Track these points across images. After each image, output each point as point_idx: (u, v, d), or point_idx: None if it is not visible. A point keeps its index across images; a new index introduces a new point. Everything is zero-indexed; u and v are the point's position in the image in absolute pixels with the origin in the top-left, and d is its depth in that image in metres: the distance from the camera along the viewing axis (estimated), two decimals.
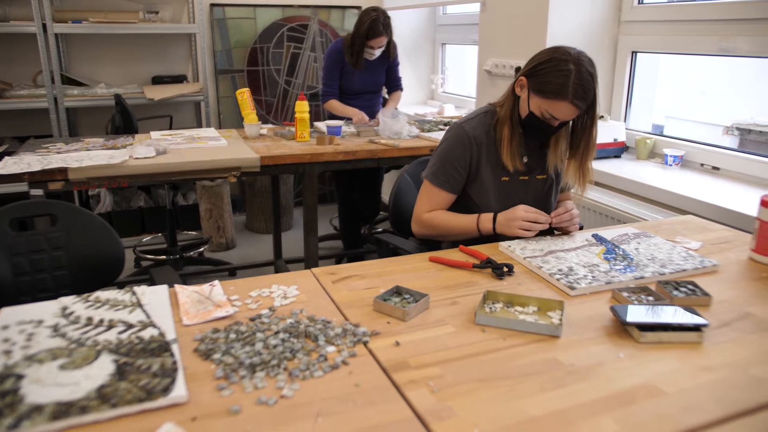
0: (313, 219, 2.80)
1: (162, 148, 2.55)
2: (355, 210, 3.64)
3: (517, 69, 3.12)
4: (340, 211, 3.68)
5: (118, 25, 3.80)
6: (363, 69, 3.39)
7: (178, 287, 1.33)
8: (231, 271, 3.68)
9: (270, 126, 3.34)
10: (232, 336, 1.12)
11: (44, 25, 3.61)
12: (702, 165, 2.60)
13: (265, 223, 4.39)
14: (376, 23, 3.19)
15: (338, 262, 3.81)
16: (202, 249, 3.95)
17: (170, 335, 1.10)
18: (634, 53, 2.93)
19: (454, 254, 1.54)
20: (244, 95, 2.97)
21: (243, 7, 4.44)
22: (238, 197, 4.71)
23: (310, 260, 2.86)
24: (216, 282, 1.38)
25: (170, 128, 4.04)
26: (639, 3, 2.86)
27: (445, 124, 3.32)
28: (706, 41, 2.51)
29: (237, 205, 4.70)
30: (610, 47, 2.96)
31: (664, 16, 2.71)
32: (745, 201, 2.11)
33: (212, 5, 4.34)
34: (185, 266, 3.70)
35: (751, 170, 2.39)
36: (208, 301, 1.29)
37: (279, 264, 3.51)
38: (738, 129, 3.40)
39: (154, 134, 2.97)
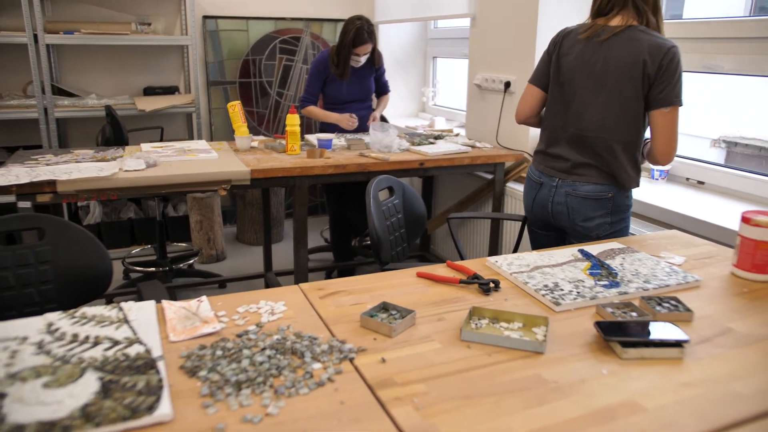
0: (303, 232, 2.80)
1: (152, 160, 2.55)
2: (345, 222, 3.65)
3: (507, 84, 3.15)
4: (331, 223, 3.69)
5: (110, 37, 3.81)
6: (350, 78, 3.43)
7: (165, 303, 1.33)
8: (221, 284, 3.68)
9: (261, 138, 3.35)
10: (219, 353, 1.12)
11: (35, 36, 3.61)
12: (687, 179, 2.63)
13: (256, 235, 4.39)
14: (361, 31, 3.26)
15: (329, 274, 3.82)
16: (192, 261, 3.94)
17: (156, 352, 1.10)
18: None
19: (441, 270, 1.55)
20: (236, 108, 2.98)
21: (235, 19, 4.46)
22: (229, 209, 4.71)
23: (299, 273, 2.86)
24: (203, 298, 1.38)
25: (161, 140, 4.05)
26: None
27: (436, 137, 3.34)
28: (690, 59, 2.54)
29: (228, 216, 4.70)
30: None
31: None
32: (729, 216, 2.13)
33: (205, 17, 4.36)
34: (175, 278, 3.70)
35: (735, 185, 2.42)
36: (195, 317, 1.29)
37: (269, 276, 3.51)
38: (725, 142, 3.45)
39: (145, 146, 2.97)
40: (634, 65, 1.82)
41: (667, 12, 3.89)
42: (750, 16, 2.44)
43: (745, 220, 1.55)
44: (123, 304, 1.29)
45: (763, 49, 2.25)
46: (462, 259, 1.98)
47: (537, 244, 2.24)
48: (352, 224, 3.65)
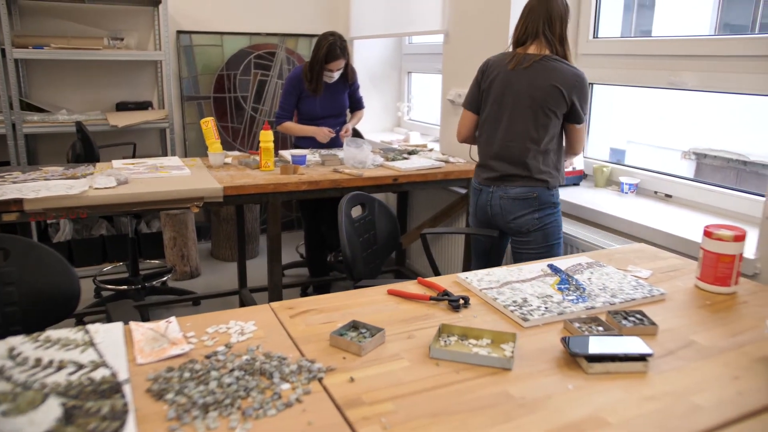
0: (277, 249, 2.79)
1: (123, 177, 2.53)
2: (320, 238, 3.65)
3: None
4: (306, 239, 3.68)
5: (81, 52, 3.78)
6: (324, 93, 3.45)
7: (133, 324, 1.32)
8: (195, 301, 3.64)
9: (236, 154, 3.34)
10: (186, 374, 1.12)
11: (2, 50, 3.57)
12: (656, 192, 2.68)
13: (231, 251, 4.36)
14: (333, 47, 3.28)
15: (304, 290, 3.80)
16: (165, 278, 3.90)
17: (122, 375, 1.09)
18: (590, 85, 3.02)
19: (411, 287, 1.56)
20: (209, 124, 2.97)
21: (210, 34, 4.46)
22: (204, 224, 4.67)
23: (273, 290, 2.85)
24: (172, 319, 1.37)
25: (134, 156, 4.01)
26: (594, 37, 2.96)
27: (410, 153, 3.36)
28: (656, 75, 2.61)
29: (202, 232, 4.67)
30: None
31: (616, 50, 2.81)
32: (695, 228, 2.18)
33: (179, 32, 4.35)
34: (148, 296, 3.65)
35: (701, 198, 2.47)
36: (163, 338, 1.28)
37: (243, 293, 3.49)
38: (695, 153, 3.53)
39: (116, 163, 2.95)
40: (552, 88, 2.20)
41: (638, 29, 3.98)
42: (714, 35, 2.50)
43: (707, 234, 1.58)
44: (89, 327, 1.28)
45: (726, 67, 2.31)
46: (436, 274, 1.99)
47: (481, 244, 2.54)
48: (328, 240, 3.65)
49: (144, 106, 4.24)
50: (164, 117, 4.07)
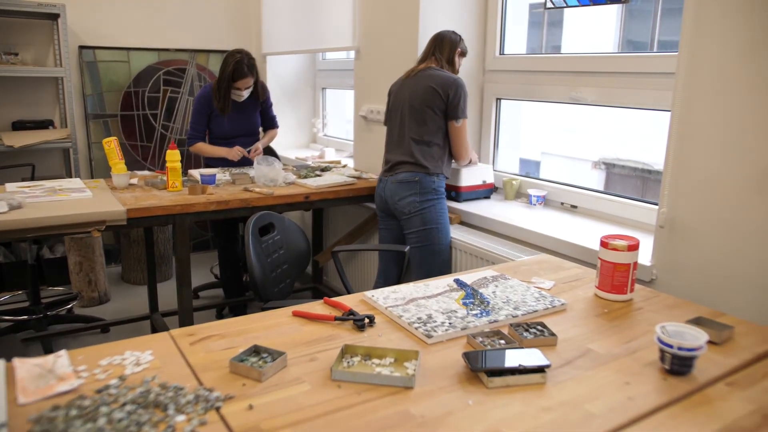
0: (186, 272, 2.70)
1: (16, 202, 2.38)
2: (235, 258, 3.56)
3: None
4: (220, 259, 3.59)
5: None
6: (234, 112, 3.38)
7: (17, 361, 1.23)
8: (103, 328, 3.47)
9: (144, 173, 3.22)
10: (74, 412, 1.05)
11: None
12: (562, 204, 2.78)
13: (143, 274, 4.19)
14: (240, 65, 3.22)
15: (220, 312, 3.70)
16: (71, 305, 3.69)
17: (0, 418, 1.01)
18: (498, 100, 3.11)
19: (317, 307, 1.54)
20: (111, 144, 2.85)
21: (115, 50, 4.29)
22: (113, 247, 4.47)
23: (184, 314, 2.75)
24: (62, 352, 1.29)
25: (32, 178, 3.79)
26: (500, 54, 3.05)
27: (323, 169, 3.35)
28: (558, 91, 2.72)
29: (112, 255, 4.46)
30: (477, 95, 3.13)
31: (520, 66, 2.92)
32: (597, 238, 2.26)
33: (81, 47, 4.17)
34: (51, 325, 3.45)
35: (604, 208, 2.58)
36: (50, 374, 1.20)
37: (155, 318, 3.35)
38: (604, 163, 3.70)
39: (10, 186, 2.77)
40: (432, 91, 2.57)
41: (548, 45, 4.14)
42: (611, 53, 2.63)
43: (603, 244, 1.65)
44: None
45: (623, 83, 2.44)
46: (348, 292, 1.98)
47: (384, 231, 2.82)
48: (243, 260, 3.57)
49: (44, 125, 4.02)
50: (66, 136, 3.88)
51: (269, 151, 3.72)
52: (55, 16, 3.86)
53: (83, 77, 4.21)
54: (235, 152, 3.32)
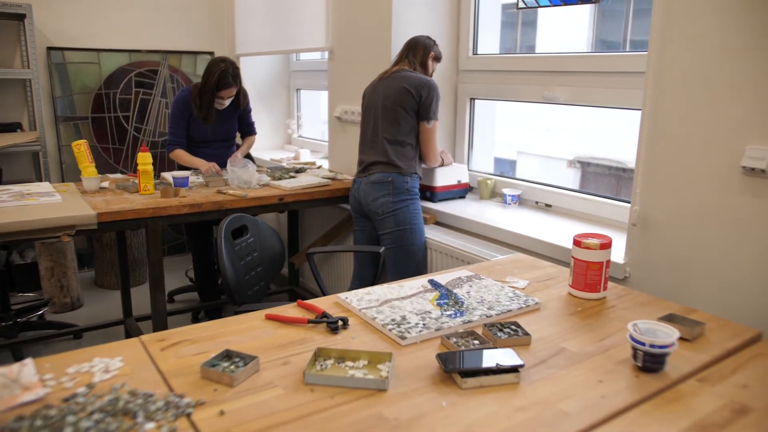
0: (159, 276, 2.66)
1: None
2: (209, 261, 3.52)
3: None
4: (195, 262, 3.54)
5: None
6: (213, 118, 3.34)
7: None
8: (76, 334, 3.41)
9: (116, 176, 3.16)
10: (39, 422, 1.02)
11: None
12: (537, 203, 2.79)
13: (116, 279, 4.12)
14: (225, 74, 3.16)
15: (195, 315, 3.66)
16: (42, 311, 3.62)
17: None
18: (472, 100, 3.12)
19: (290, 310, 1.52)
20: (81, 147, 2.79)
21: (85, 51, 4.22)
22: (86, 251, 4.40)
23: (158, 318, 2.71)
24: (28, 361, 1.25)
25: (0, 182, 3.71)
26: (474, 54, 3.06)
27: (297, 171, 3.32)
28: (530, 90, 2.73)
29: (84, 260, 4.39)
30: (451, 95, 3.13)
31: (494, 66, 2.93)
32: (571, 236, 2.27)
33: (49, 49, 4.09)
34: (22, 332, 3.37)
35: (577, 206, 2.60)
36: (14, 384, 1.17)
37: (129, 323, 3.30)
38: (579, 162, 3.73)
39: None
40: (405, 91, 2.59)
41: (523, 44, 4.16)
42: (582, 53, 2.65)
43: (576, 243, 1.66)
44: None
45: (593, 83, 2.46)
46: (324, 294, 1.97)
47: (359, 232, 2.81)
48: (217, 263, 3.53)
49: (11, 127, 3.93)
50: (35, 139, 3.80)
51: (249, 158, 3.68)
52: (21, 17, 3.78)
53: (52, 79, 4.13)
54: (210, 169, 3.24)
